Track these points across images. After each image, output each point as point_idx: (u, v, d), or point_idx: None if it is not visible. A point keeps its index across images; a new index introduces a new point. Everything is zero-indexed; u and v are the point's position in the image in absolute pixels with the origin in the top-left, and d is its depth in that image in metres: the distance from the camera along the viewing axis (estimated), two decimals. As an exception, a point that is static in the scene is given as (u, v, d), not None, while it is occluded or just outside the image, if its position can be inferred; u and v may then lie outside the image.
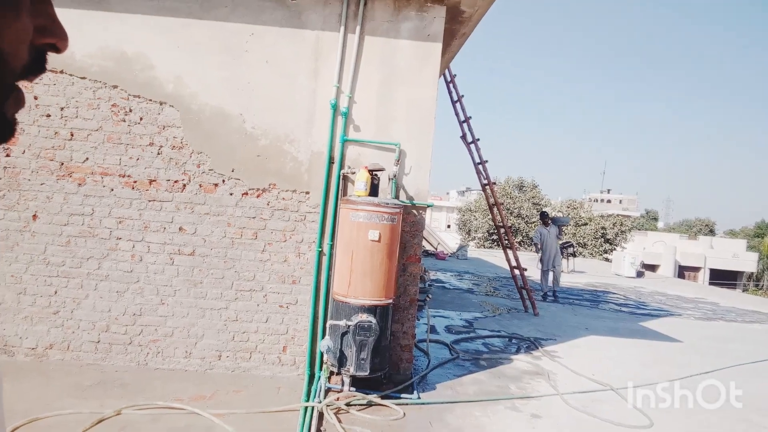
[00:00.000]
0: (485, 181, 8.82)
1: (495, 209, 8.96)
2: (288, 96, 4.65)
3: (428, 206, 4.76)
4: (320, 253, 4.60)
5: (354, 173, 4.43)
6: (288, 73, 4.65)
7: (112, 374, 4.34)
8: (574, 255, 17.42)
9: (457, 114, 8.85)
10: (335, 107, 4.60)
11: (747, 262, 38.84)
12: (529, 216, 27.10)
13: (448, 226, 52.16)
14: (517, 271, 8.97)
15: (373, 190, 4.31)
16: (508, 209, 27.76)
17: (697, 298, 13.72)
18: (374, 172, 4.37)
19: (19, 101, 0.45)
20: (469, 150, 8.88)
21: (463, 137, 8.93)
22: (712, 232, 57.98)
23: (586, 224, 26.61)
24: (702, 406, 4.73)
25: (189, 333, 4.57)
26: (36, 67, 0.46)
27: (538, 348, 6.41)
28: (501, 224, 8.98)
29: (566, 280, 14.41)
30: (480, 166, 8.80)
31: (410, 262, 4.73)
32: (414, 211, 4.71)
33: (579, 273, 17.24)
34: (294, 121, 4.65)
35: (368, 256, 4.08)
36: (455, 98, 8.73)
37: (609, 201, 67.88)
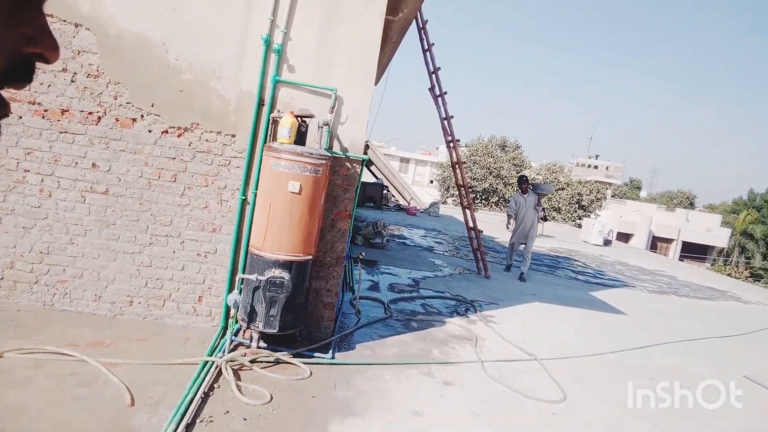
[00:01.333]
0: (449, 138, 8.52)
1: (457, 168, 8.70)
2: (217, 27, 4.23)
3: (363, 160, 4.48)
4: (244, 202, 4.32)
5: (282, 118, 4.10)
6: (218, 0, 4.22)
7: (13, 313, 4.11)
8: (545, 219, 17.37)
9: (426, 63, 8.43)
10: (268, 43, 4.21)
11: (719, 237, 39.51)
12: (509, 177, 26.94)
13: (431, 182, 52.01)
14: (473, 233, 8.82)
15: (300, 138, 4.01)
16: (488, 168, 27.54)
17: (657, 270, 13.86)
18: (302, 118, 4.05)
19: (3, 107, 0.46)
20: (436, 103, 8.52)
21: (432, 89, 8.56)
22: (692, 205, 58.69)
23: (563, 189, 26.58)
24: (621, 382, 4.70)
25: (99, 276, 4.33)
26: (21, 75, 0.46)
27: (476, 312, 6.33)
28: (461, 184, 8.76)
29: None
30: (445, 122, 8.47)
31: (340, 217, 4.49)
32: (348, 164, 4.44)
33: (547, 237, 17.28)
34: (222, 55, 4.26)
35: (287, 209, 3.82)
36: (425, 46, 8.29)
37: (596, 167, 68.07)
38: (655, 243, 37.95)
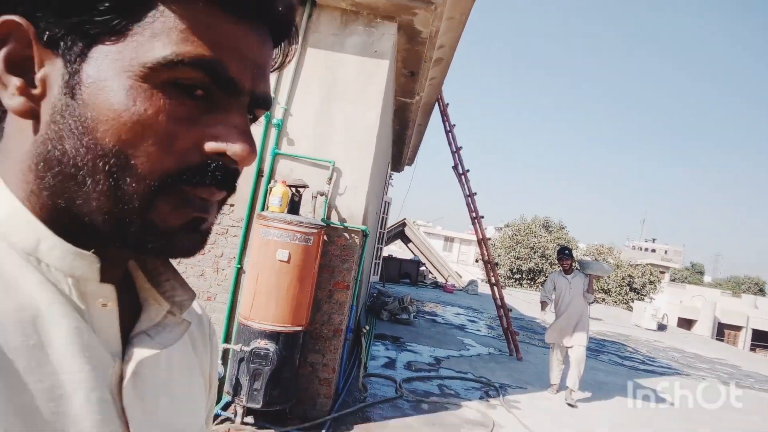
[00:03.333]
0: (473, 215, 8.42)
1: (482, 244, 8.51)
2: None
3: (363, 230, 4.44)
4: (239, 270, 4.33)
5: (276, 188, 4.17)
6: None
7: None
8: (592, 301, 16.48)
9: (449, 143, 8.57)
10: (268, 118, 4.39)
11: (794, 324, 36.14)
12: (553, 257, 26.14)
13: (477, 261, 51.26)
14: (502, 311, 8.44)
15: (293, 208, 4.04)
16: (533, 248, 26.91)
17: (717, 358, 12.66)
18: (296, 188, 4.11)
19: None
20: (460, 181, 8.54)
21: (455, 167, 8.62)
22: (761, 291, 54.75)
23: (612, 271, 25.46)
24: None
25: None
26: (207, 179, 0.45)
27: (499, 396, 5.88)
28: (487, 260, 8.52)
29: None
30: (469, 198, 8.42)
31: (338, 288, 4.39)
32: (346, 234, 4.40)
33: (595, 320, 16.30)
34: (228, 131, 4.45)
35: (274, 277, 3.78)
36: (448, 128, 8.48)
37: (653, 250, 65.33)
38: (722, 330, 35.11)
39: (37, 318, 0.39)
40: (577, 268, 6.67)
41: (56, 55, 0.40)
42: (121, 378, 0.43)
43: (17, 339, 0.38)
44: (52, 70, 0.40)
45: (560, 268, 6.70)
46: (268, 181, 4.32)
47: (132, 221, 0.41)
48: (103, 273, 0.43)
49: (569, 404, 6.02)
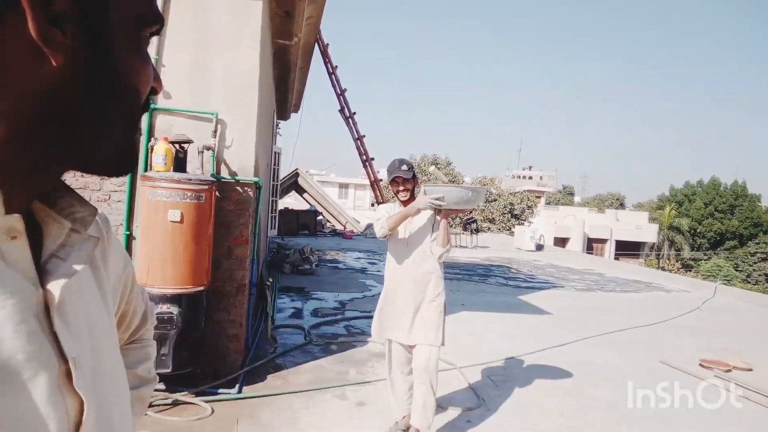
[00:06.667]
0: (364, 158, 8.54)
1: (375, 186, 8.71)
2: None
3: (255, 182, 4.34)
4: (129, 237, 4.08)
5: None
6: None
7: None
8: (477, 231, 17.70)
9: (333, 86, 8.45)
10: (139, 71, 4.04)
11: (649, 233, 41.65)
12: (443, 193, 27.48)
13: (372, 205, 52.23)
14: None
15: (179, 165, 3.83)
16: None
17: (586, 269, 14.36)
18: (180, 144, 3.89)
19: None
20: (347, 124, 8.53)
21: (341, 111, 8.58)
22: (622, 206, 61.72)
23: (495, 200, 27.37)
24: (539, 381, 4.73)
25: None
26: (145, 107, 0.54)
27: (402, 327, 6.25)
28: (381, 202, 8.75)
29: (465, 255, 14.62)
30: (358, 142, 8.49)
31: (237, 244, 4.31)
32: (239, 188, 4.29)
33: (482, 248, 17.60)
34: (93, 87, 4.04)
35: (169, 239, 3.62)
36: (330, 69, 8.32)
37: (530, 177, 70.72)
38: (591, 245, 39.59)
39: None
40: (420, 189, 3.45)
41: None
42: (46, 305, 0.43)
43: None
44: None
45: (392, 187, 3.51)
46: (148, 140, 4.03)
47: (127, 149, 0.50)
48: (7, 204, 0.41)
49: None
